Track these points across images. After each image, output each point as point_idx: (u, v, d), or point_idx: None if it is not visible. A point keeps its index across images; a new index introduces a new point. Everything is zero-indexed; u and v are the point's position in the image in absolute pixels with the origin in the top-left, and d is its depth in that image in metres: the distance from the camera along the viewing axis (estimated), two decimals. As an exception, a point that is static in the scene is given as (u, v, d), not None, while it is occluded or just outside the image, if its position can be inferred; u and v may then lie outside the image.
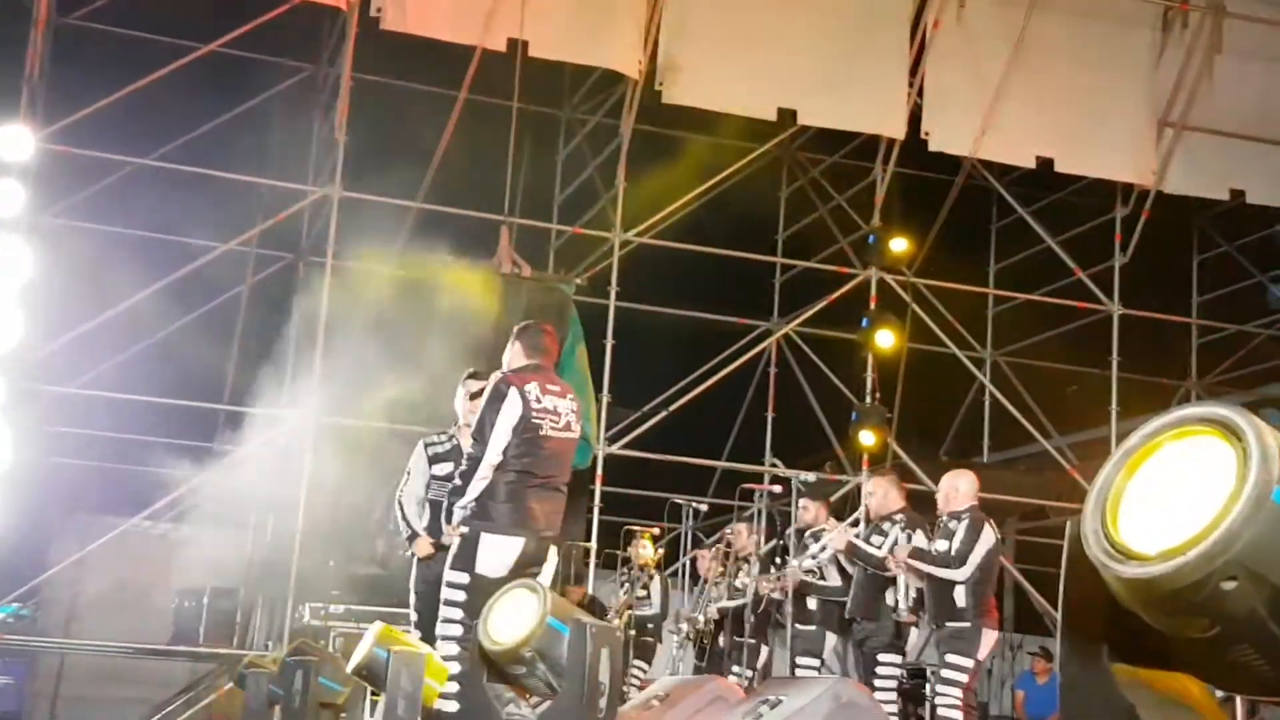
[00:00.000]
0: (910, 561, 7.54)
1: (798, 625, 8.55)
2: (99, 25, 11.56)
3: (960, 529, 7.40)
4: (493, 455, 5.67)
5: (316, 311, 10.66)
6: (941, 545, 7.46)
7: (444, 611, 5.75)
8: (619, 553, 10.37)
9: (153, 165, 10.92)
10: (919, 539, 7.79)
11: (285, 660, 6.41)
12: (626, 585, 9.98)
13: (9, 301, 9.80)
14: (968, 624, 7.32)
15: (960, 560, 7.34)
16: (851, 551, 8.09)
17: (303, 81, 12.71)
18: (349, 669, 5.92)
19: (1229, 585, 1.95)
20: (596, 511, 11.26)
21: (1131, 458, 2.09)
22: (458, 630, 5.63)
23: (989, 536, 7.43)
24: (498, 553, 5.65)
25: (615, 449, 11.37)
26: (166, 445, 10.65)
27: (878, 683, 7.84)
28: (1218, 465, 2.02)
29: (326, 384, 10.26)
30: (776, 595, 8.75)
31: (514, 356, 5.97)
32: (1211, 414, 2.06)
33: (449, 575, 5.72)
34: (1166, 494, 2.07)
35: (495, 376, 5.89)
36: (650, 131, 12.29)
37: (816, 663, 8.61)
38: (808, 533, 8.86)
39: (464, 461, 5.83)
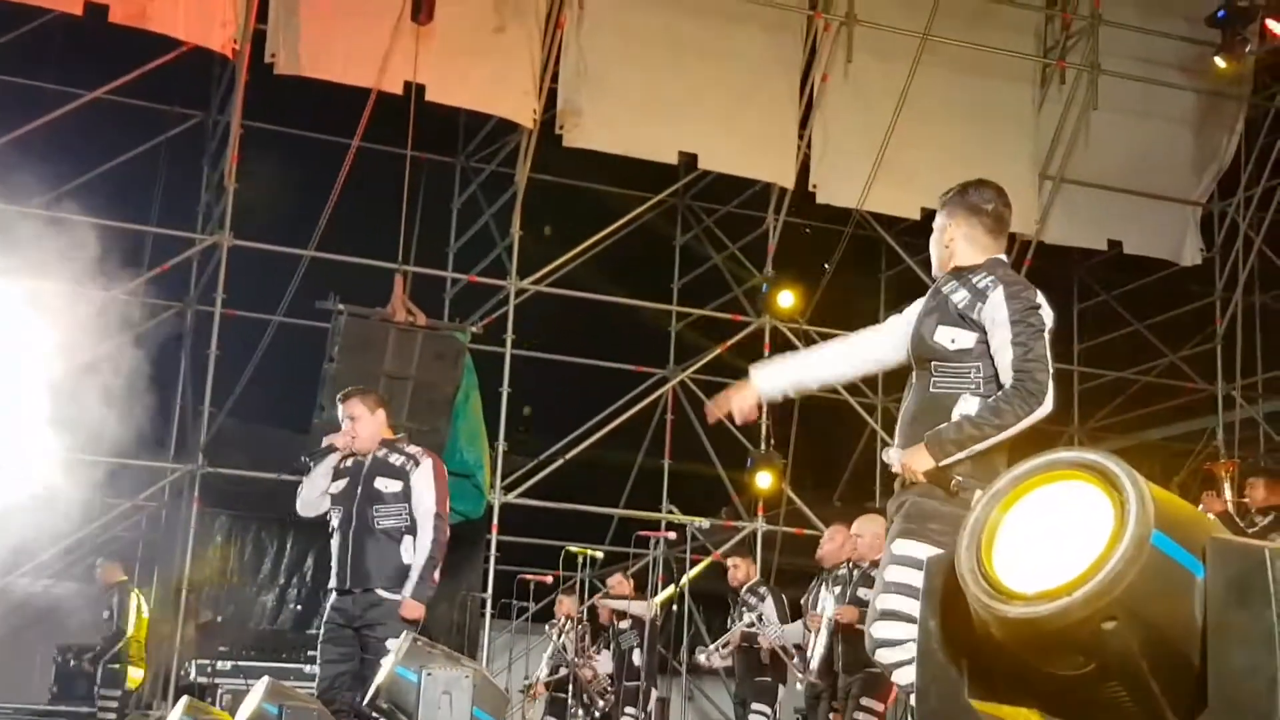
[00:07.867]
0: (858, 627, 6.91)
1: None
2: (-20, 71, 11.31)
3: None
4: None
5: (204, 361, 10.49)
6: (866, 594, 6.92)
7: None
8: (514, 602, 10.30)
9: (37, 213, 10.66)
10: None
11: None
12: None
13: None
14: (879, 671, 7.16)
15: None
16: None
17: (192, 129, 12.55)
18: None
19: (1109, 625, 2.01)
20: (493, 561, 11.20)
21: (1003, 500, 2.15)
22: None
23: None
24: None
25: (511, 498, 11.32)
26: (49, 498, 10.33)
27: None
28: (1091, 509, 2.08)
29: (213, 434, 10.07)
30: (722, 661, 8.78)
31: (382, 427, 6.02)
32: (1082, 459, 2.13)
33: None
34: (1040, 536, 2.13)
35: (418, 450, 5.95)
36: (545, 180, 12.33)
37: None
38: (744, 589, 8.91)
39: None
